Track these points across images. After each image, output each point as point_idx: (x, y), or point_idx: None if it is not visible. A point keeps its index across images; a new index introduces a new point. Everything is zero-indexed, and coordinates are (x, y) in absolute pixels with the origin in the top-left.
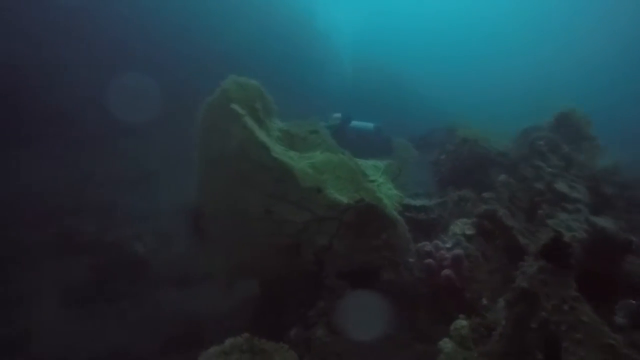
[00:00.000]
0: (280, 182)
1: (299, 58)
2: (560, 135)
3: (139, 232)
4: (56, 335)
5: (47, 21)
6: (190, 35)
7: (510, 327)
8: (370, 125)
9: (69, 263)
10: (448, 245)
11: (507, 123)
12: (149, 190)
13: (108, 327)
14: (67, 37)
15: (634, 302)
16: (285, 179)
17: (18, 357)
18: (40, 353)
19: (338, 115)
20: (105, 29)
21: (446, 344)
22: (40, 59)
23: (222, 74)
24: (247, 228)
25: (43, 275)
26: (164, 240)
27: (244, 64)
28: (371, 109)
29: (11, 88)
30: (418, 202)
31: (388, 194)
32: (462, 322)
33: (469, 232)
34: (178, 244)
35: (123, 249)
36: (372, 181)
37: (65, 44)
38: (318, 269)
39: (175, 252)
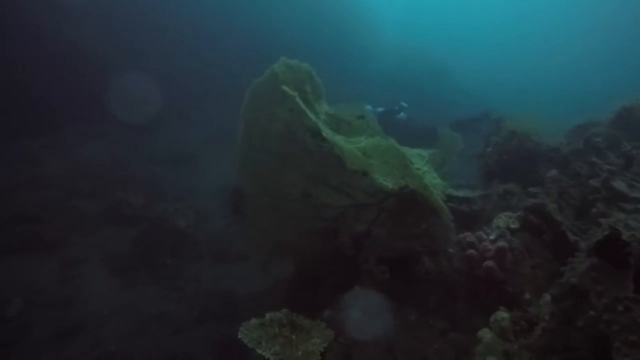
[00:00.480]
0: (322, 165)
1: (342, 43)
2: (621, 132)
3: (181, 208)
4: (103, 298)
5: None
6: (233, 21)
7: (554, 322)
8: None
9: (118, 232)
10: (491, 237)
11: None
12: (191, 169)
13: (149, 295)
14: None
15: None
16: (327, 163)
17: (72, 314)
18: (90, 314)
19: (369, 107)
20: (144, 12)
21: (485, 334)
22: (89, 49)
23: (266, 57)
24: (285, 209)
25: (96, 242)
26: (204, 217)
27: (287, 48)
28: (411, 96)
29: (59, 72)
30: (461, 193)
31: (432, 183)
32: (503, 314)
33: (513, 225)
34: (217, 221)
35: (166, 223)
36: (417, 169)
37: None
38: (354, 254)
39: (214, 228)
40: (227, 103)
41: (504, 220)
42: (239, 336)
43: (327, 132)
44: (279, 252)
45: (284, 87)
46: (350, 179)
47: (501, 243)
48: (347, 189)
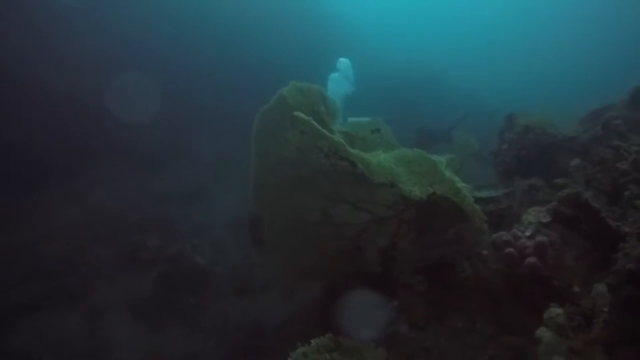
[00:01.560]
0: (338, 184)
1: (320, 49)
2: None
3: (198, 244)
4: (131, 345)
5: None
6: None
7: (616, 312)
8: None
9: (138, 277)
10: (527, 234)
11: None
12: (204, 204)
13: (176, 337)
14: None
15: None
16: (343, 181)
17: None
18: None
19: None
20: (150, 49)
21: (544, 333)
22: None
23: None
24: (305, 233)
25: (118, 289)
26: (222, 250)
27: (281, 67)
28: (406, 102)
29: (69, 115)
30: (484, 194)
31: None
32: (556, 311)
33: (545, 219)
34: (236, 253)
35: (184, 262)
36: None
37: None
38: (383, 270)
39: (233, 261)
40: (229, 133)
41: (534, 215)
42: None
43: (347, 148)
44: (303, 278)
45: (297, 113)
46: (368, 194)
47: (540, 238)
48: (365, 205)
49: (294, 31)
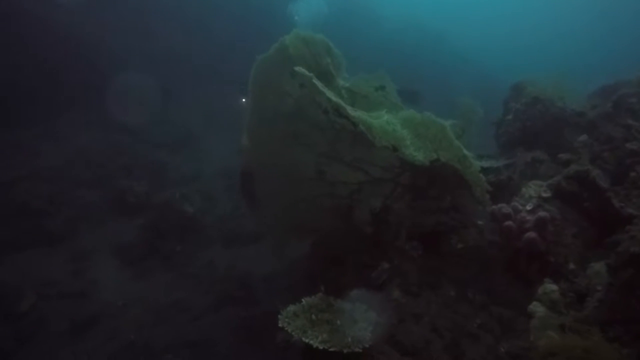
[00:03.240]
0: (335, 142)
1: (335, 16)
2: None
3: (187, 192)
4: (117, 289)
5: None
6: None
7: (614, 293)
8: None
9: (125, 221)
10: (528, 208)
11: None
12: (194, 152)
13: (162, 284)
14: None
15: None
16: (340, 139)
17: (87, 306)
18: (105, 305)
19: None
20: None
21: (537, 308)
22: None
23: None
24: (298, 189)
25: (103, 233)
26: (211, 200)
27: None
28: (407, 65)
29: (56, 58)
30: (485, 163)
31: None
32: (551, 287)
33: (545, 194)
34: (225, 204)
35: (173, 209)
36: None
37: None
38: (375, 231)
39: (223, 212)
40: (218, 82)
41: (535, 189)
42: (280, 325)
43: (349, 109)
44: (293, 233)
45: (297, 68)
46: (365, 154)
47: (542, 213)
48: (362, 164)
49: None
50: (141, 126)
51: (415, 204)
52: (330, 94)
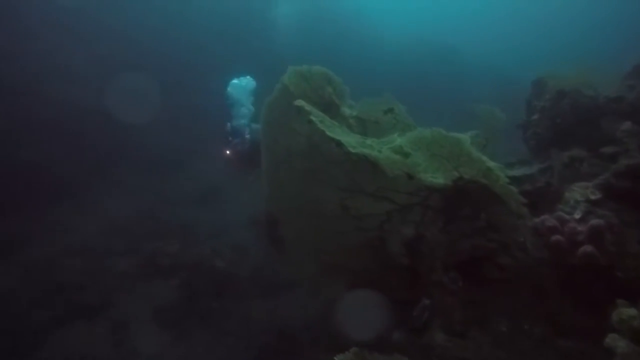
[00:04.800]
0: (354, 174)
1: (339, 42)
2: None
3: (218, 247)
4: (159, 355)
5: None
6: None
7: None
8: None
9: (159, 284)
10: (577, 216)
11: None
12: (220, 205)
13: (203, 343)
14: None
15: None
16: (360, 170)
17: None
18: None
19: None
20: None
21: (617, 342)
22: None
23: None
24: (324, 228)
25: (140, 298)
26: (242, 251)
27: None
28: (418, 81)
29: (77, 126)
30: (517, 172)
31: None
32: (630, 311)
33: (594, 196)
34: (256, 253)
35: (205, 266)
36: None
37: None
38: (410, 262)
39: (255, 262)
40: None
41: (580, 192)
42: None
43: (352, 144)
44: (326, 275)
45: (299, 102)
46: (388, 182)
47: (595, 221)
48: (386, 193)
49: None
50: (165, 186)
51: (447, 228)
52: (330, 129)
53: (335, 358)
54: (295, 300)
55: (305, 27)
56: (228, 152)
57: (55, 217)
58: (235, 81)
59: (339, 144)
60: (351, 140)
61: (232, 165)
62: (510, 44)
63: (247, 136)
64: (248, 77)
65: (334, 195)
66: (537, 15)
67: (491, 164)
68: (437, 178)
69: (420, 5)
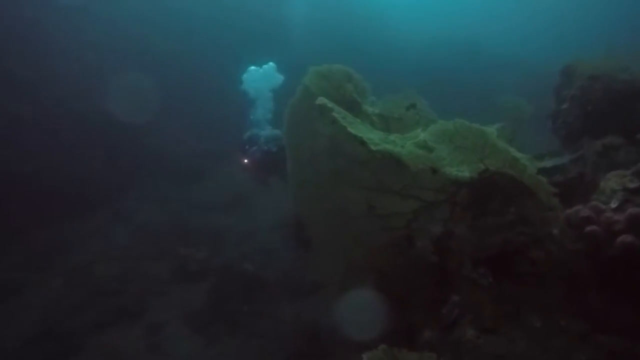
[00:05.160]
0: (379, 173)
1: (358, 41)
2: None
3: (246, 251)
4: (191, 358)
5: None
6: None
7: None
8: None
9: (190, 289)
10: (614, 205)
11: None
12: (248, 209)
13: (234, 346)
14: None
15: None
16: (384, 168)
17: None
18: None
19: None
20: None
21: None
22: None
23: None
24: (351, 228)
25: (172, 303)
26: (270, 255)
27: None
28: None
29: (106, 137)
30: (547, 163)
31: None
32: None
33: (632, 185)
34: (284, 256)
35: (234, 270)
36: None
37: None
38: (440, 259)
39: (283, 265)
40: None
41: (617, 180)
42: None
43: (375, 141)
44: (355, 276)
45: (320, 100)
46: (414, 179)
47: (634, 209)
48: (412, 191)
49: (320, 23)
50: (193, 192)
51: (476, 224)
52: (352, 126)
53: (364, 356)
54: (323, 303)
55: (323, 27)
56: (245, 160)
57: (94, 225)
58: (252, 68)
59: (362, 142)
60: (374, 137)
61: (249, 173)
62: (535, 34)
63: (263, 144)
64: (270, 63)
65: (360, 194)
66: (562, 4)
67: (518, 154)
68: (463, 171)
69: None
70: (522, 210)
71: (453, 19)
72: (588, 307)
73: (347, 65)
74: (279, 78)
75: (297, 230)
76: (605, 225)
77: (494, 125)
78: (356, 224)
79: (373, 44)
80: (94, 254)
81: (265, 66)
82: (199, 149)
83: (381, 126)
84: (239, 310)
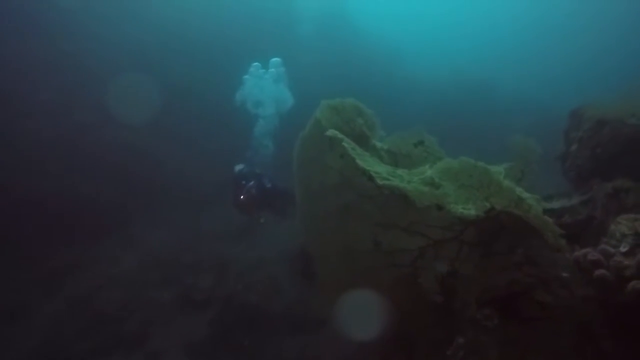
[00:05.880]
0: (386, 208)
1: (370, 82)
2: None
3: (251, 282)
4: None
5: None
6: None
7: None
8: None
9: (193, 318)
10: (623, 249)
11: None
12: (255, 240)
13: None
14: None
15: None
16: (392, 204)
17: None
18: None
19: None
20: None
21: None
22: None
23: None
24: (356, 264)
25: (174, 332)
26: (275, 287)
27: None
28: (454, 120)
29: (118, 164)
30: (556, 204)
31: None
32: None
33: None
34: (289, 289)
35: (238, 301)
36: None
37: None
38: (445, 300)
39: (287, 298)
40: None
41: (627, 224)
42: None
43: (382, 174)
44: (359, 312)
45: (330, 132)
46: (421, 216)
47: None
48: (419, 228)
49: (334, 59)
50: (201, 220)
51: (483, 264)
52: (361, 159)
53: None
54: (327, 339)
55: (335, 62)
56: (242, 197)
57: (101, 249)
58: (256, 65)
59: (370, 177)
60: (381, 171)
61: (243, 208)
62: (552, 76)
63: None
64: (276, 58)
65: (367, 230)
66: (573, 47)
67: (524, 194)
68: (469, 209)
69: (454, 41)
70: (529, 251)
71: (467, 58)
72: (598, 354)
73: (359, 101)
74: (289, 99)
75: (303, 264)
76: (615, 270)
77: (502, 164)
78: (362, 260)
79: (384, 80)
80: (100, 278)
81: (271, 60)
82: (209, 177)
83: (389, 162)
84: (240, 342)
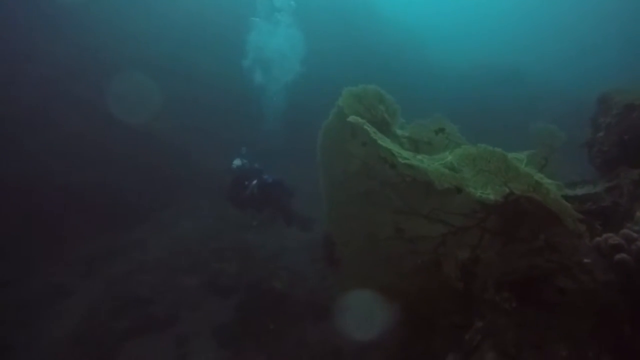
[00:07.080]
0: (408, 196)
1: (397, 67)
2: None
3: (275, 269)
4: None
5: None
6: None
7: None
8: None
9: (221, 303)
10: None
11: None
12: (278, 229)
13: None
14: None
15: None
16: (413, 192)
17: None
18: None
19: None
20: None
21: None
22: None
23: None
24: (379, 251)
25: (202, 315)
26: (299, 274)
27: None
28: (482, 108)
29: (150, 153)
30: (580, 191)
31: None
32: None
33: None
34: (312, 276)
35: (263, 287)
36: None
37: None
38: (465, 286)
39: (311, 285)
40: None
41: None
42: None
43: (404, 155)
44: (381, 299)
45: (352, 118)
46: (442, 203)
47: None
48: (441, 215)
49: (359, 50)
50: (228, 209)
51: (504, 250)
52: (384, 140)
53: None
54: (348, 325)
55: (358, 49)
56: (244, 197)
57: (135, 236)
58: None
59: (392, 164)
60: (403, 153)
61: (239, 207)
62: (578, 62)
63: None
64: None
65: (389, 217)
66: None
67: (544, 179)
68: (488, 194)
69: (482, 28)
70: (552, 237)
71: (495, 46)
72: (620, 340)
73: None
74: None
75: (326, 250)
76: (637, 255)
77: (525, 152)
78: (384, 247)
79: (410, 68)
80: (133, 264)
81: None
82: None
83: (410, 148)
84: (265, 328)
